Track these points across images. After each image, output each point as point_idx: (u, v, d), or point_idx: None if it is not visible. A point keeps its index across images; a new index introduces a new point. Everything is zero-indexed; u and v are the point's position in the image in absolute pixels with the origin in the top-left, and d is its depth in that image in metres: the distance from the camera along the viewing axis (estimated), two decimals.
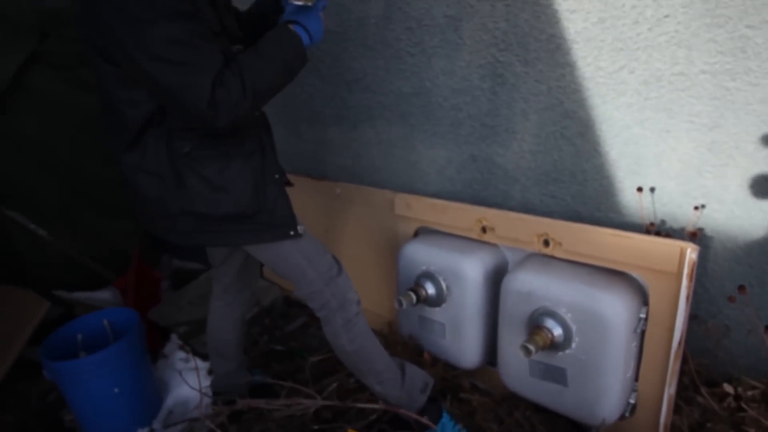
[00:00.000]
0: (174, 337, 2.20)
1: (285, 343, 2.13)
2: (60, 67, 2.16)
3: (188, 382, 1.83)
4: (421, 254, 1.71)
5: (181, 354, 2.13)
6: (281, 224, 1.31)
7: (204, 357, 2.02)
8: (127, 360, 1.73)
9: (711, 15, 1.31)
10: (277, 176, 1.31)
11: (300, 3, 1.21)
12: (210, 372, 1.92)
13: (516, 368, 1.52)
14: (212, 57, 1.06)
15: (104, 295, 2.46)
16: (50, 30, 2.07)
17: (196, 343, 2.14)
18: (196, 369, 1.86)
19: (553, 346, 1.38)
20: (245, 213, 1.25)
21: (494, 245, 1.67)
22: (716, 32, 1.32)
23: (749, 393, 1.35)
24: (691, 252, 1.24)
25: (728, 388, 1.37)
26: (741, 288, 1.37)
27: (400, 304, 1.62)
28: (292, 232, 1.31)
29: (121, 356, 1.71)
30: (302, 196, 2.26)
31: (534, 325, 1.41)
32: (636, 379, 1.41)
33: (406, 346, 1.83)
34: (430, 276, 1.68)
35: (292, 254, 1.35)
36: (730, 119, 1.36)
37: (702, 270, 1.50)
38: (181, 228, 1.26)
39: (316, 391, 1.65)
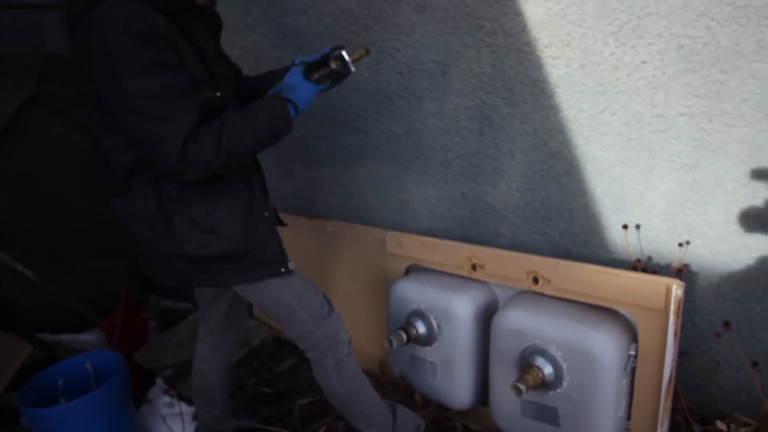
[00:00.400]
0: (159, 380, 2.14)
1: (274, 385, 2.08)
2: (56, 108, 2.20)
3: (172, 429, 1.77)
4: (412, 292, 1.71)
5: (166, 398, 2.07)
6: (272, 262, 1.31)
7: (190, 401, 1.96)
8: (108, 406, 1.67)
9: (686, 61, 1.38)
10: (266, 214, 1.32)
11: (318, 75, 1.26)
12: (195, 417, 1.87)
13: (508, 408, 1.50)
14: (187, 113, 1.08)
15: (89, 337, 2.40)
16: (50, 73, 2.12)
17: (182, 386, 2.08)
18: (181, 414, 1.80)
19: (544, 385, 1.37)
20: (235, 252, 1.25)
21: (484, 283, 1.68)
22: (691, 77, 1.39)
23: (742, 430, 1.34)
24: (676, 288, 1.26)
25: (721, 425, 1.36)
26: (726, 324, 1.38)
27: (391, 343, 1.61)
28: (283, 269, 1.31)
29: (103, 402, 1.65)
30: (294, 234, 2.27)
31: (525, 364, 1.40)
32: (628, 417, 1.39)
33: (397, 386, 1.80)
34: (420, 314, 1.68)
35: (282, 294, 1.34)
36: (709, 158, 1.42)
37: (690, 306, 1.51)
38: (174, 270, 1.26)
39: None
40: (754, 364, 1.32)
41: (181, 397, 1.98)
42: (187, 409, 1.91)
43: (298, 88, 1.26)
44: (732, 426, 1.40)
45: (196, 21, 1.18)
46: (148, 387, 2.12)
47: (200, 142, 1.08)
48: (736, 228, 1.42)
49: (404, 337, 1.63)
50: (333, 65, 1.28)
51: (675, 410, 1.45)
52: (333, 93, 2.09)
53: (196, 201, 1.21)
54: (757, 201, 1.37)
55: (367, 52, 1.35)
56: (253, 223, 1.27)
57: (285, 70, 1.42)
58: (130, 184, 1.20)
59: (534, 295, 1.54)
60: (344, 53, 1.27)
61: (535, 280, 1.52)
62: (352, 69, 1.29)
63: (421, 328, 1.66)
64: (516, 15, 1.58)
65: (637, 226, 1.55)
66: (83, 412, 1.61)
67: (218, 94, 1.22)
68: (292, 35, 2.09)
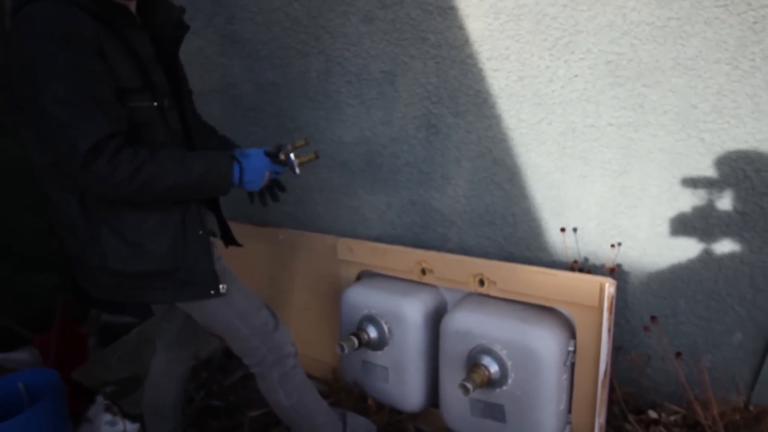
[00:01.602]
0: (99, 398, 2.04)
1: (223, 397, 2.03)
2: None
3: None
4: (363, 298, 1.73)
5: (108, 416, 1.97)
6: (201, 283, 1.24)
7: (133, 418, 1.89)
8: (43, 427, 1.57)
9: (613, 75, 1.49)
10: (200, 232, 1.25)
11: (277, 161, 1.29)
12: None
13: (457, 408, 1.54)
14: (97, 124, 1.02)
15: (21, 355, 2.26)
16: None
17: (125, 403, 1.99)
18: None
19: (491, 383, 1.42)
20: (161, 270, 1.20)
21: (434, 286, 1.72)
22: (618, 90, 1.50)
23: (671, 418, 1.44)
24: (609, 286, 1.34)
25: (653, 414, 1.46)
26: (653, 318, 1.49)
27: (342, 349, 1.62)
28: (212, 291, 1.25)
29: (37, 423, 1.55)
30: (245, 242, 2.23)
31: (472, 364, 1.45)
32: (569, 410, 1.46)
33: (350, 392, 1.81)
34: (372, 319, 1.69)
35: (221, 312, 1.30)
36: (636, 166, 1.53)
37: (623, 303, 1.62)
38: (101, 283, 1.21)
39: None
40: (678, 354, 1.42)
41: (125, 415, 1.90)
42: (131, 427, 1.84)
43: (253, 157, 1.26)
44: (662, 415, 1.50)
45: (134, 27, 1.15)
46: (87, 405, 2.02)
47: (116, 163, 1.03)
48: (661, 230, 1.53)
49: (356, 342, 1.64)
50: (282, 156, 1.31)
51: (611, 402, 1.55)
52: (282, 101, 2.09)
53: (124, 212, 1.15)
54: (679, 204, 1.49)
55: (316, 156, 1.41)
56: (185, 242, 1.21)
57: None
58: (49, 189, 1.14)
59: (480, 296, 1.59)
60: (292, 155, 1.31)
61: (481, 283, 1.58)
62: (297, 172, 1.32)
63: (372, 333, 1.68)
64: (459, 29, 1.65)
65: (574, 230, 1.65)
66: None
67: (155, 104, 1.17)
68: (239, 42, 2.08)
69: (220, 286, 1.27)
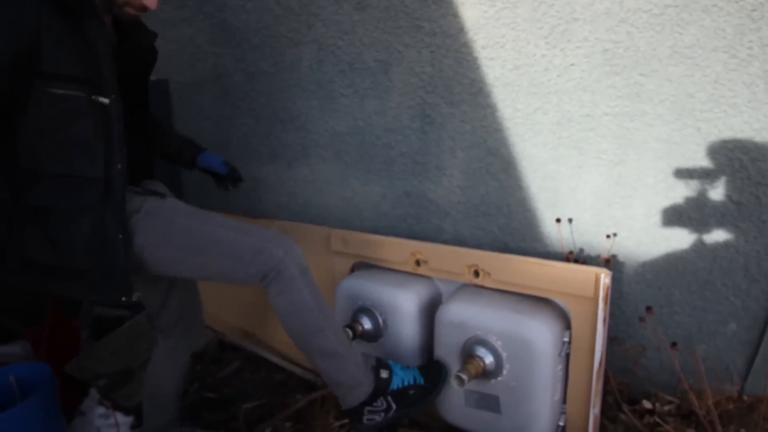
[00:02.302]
0: (93, 391, 2.02)
1: (218, 390, 2.03)
2: None
3: None
4: (358, 289, 1.72)
5: (101, 409, 1.96)
6: (113, 288, 1.19)
7: (126, 411, 1.87)
8: (35, 421, 1.55)
9: (609, 64, 1.47)
10: (120, 236, 1.17)
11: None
12: (134, 427, 1.78)
13: (452, 399, 1.53)
14: None
15: (12, 349, 2.23)
16: None
17: (118, 396, 1.98)
18: (117, 425, 1.71)
19: (486, 374, 1.41)
20: (74, 269, 1.16)
21: (428, 278, 1.71)
22: (615, 79, 1.48)
23: (666, 408, 1.45)
24: (604, 277, 1.34)
25: (647, 404, 1.46)
26: (648, 309, 1.48)
27: None
28: (123, 298, 1.20)
29: (28, 417, 1.53)
30: None
31: (467, 355, 1.44)
32: (564, 401, 1.46)
33: None
34: (366, 311, 1.68)
35: (205, 265, 1.22)
36: (631, 155, 1.52)
37: (618, 294, 1.61)
38: (16, 270, 1.18)
39: None
40: (673, 344, 1.42)
41: (117, 407, 1.89)
42: (124, 420, 1.82)
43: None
44: (657, 404, 1.50)
45: (95, 18, 1.10)
46: (80, 399, 2.00)
47: None
48: (656, 220, 1.53)
49: (350, 333, 1.63)
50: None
51: (606, 392, 1.55)
52: (274, 90, 2.06)
53: (44, 205, 1.12)
54: (674, 195, 1.49)
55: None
56: (103, 245, 1.15)
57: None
58: None
59: (475, 288, 1.58)
60: None
61: (476, 274, 1.57)
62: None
63: (367, 325, 1.67)
64: (453, 17, 1.63)
65: (570, 220, 1.64)
66: (6, 428, 1.49)
67: (92, 97, 1.10)
68: (230, 31, 2.04)
69: (134, 296, 1.21)
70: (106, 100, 1.13)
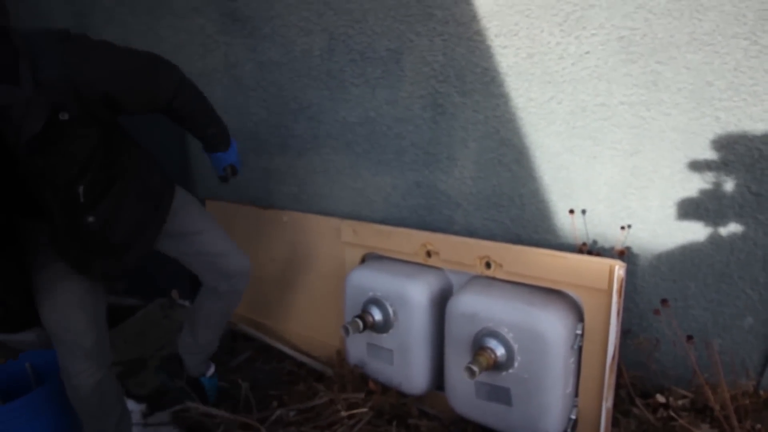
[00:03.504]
0: None
1: (229, 379, 2.04)
2: None
3: None
4: (368, 280, 1.72)
5: None
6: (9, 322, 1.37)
7: (138, 399, 1.90)
8: (49, 407, 1.59)
9: (625, 52, 1.44)
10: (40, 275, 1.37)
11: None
12: (145, 415, 1.81)
13: (462, 391, 1.53)
14: None
15: (28, 336, 2.27)
16: None
17: (131, 384, 2.01)
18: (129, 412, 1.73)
19: (497, 366, 1.40)
20: None
21: (439, 269, 1.70)
22: (631, 67, 1.45)
23: (680, 402, 1.43)
24: (619, 269, 1.32)
25: (660, 398, 1.44)
26: (664, 301, 1.46)
27: (347, 331, 1.60)
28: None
29: (43, 403, 1.57)
30: (249, 224, 2.22)
31: (478, 346, 1.43)
32: (576, 394, 1.45)
33: (353, 374, 1.80)
34: (376, 302, 1.68)
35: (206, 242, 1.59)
36: (647, 146, 1.48)
37: (631, 286, 1.59)
38: None
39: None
40: (689, 338, 1.40)
41: (130, 395, 1.91)
42: (136, 407, 1.85)
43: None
44: (670, 398, 1.48)
45: None
46: None
47: None
48: (672, 212, 1.50)
49: (360, 324, 1.63)
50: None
51: (619, 386, 1.53)
52: (285, 80, 2.06)
53: None
54: (691, 186, 1.46)
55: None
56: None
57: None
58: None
59: (487, 279, 1.57)
60: None
61: (488, 265, 1.55)
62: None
63: (377, 316, 1.67)
64: (466, 4, 1.60)
65: (583, 211, 1.61)
66: (22, 413, 1.52)
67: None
68: (241, 21, 2.03)
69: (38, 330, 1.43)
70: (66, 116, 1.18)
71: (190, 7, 2.14)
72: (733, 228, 1.44)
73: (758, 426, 1.30)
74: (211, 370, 1.87)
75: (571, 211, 1.62)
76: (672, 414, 1.36)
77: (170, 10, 2.18)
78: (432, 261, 1.68)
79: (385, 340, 1.70)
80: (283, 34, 1.97)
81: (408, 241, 1.72)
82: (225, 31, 2.09)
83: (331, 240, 1.96)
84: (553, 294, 1.45)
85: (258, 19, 2.00)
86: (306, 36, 1.93)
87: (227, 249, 1.61)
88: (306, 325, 2.12)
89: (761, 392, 1.45)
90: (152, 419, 1.83)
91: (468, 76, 1.67)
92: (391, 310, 1.66)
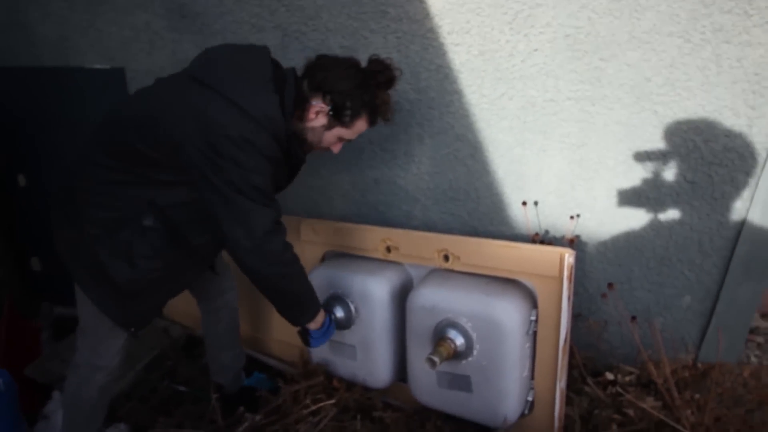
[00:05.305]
0: (56, 394, 1.96)
1: (190, 384, 1.99)
2: None
3: None
4: (329, 278, 1.72)
5: None
6: None
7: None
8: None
9: (571, 49, 1.51)
10: None
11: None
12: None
13: (425, 381, 1.56)
14: None
15: None
16: None
17: None
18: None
19: (457, 355, 1.45)
20: None
21: (399, 264, 1.72)
22: (576, 64, 1.52)
23: (627, 378, 1.52)
24: (568, 257, 1.38)
25: (610, 376, 1.53)
26: (609, 285, 1.55)
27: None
28: None
29: None
30: None
31: (438, 337, 1.47)
32: (532, 377, 1.52)
33: (317, 373, 1.80)
34: (338, 299, 1.69)
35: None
36: (593, 139, 1.56)
37: (581, 273, 1.67)
38: None
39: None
40: (633, 318, 1.49)
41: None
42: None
43: (331, 329, 1.57)
44: (618, 375, 1.57)
45: None
46: (44, 402, 1.93)
47: None
48: (616, 201, 1.59)
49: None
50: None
51: (572, 366, 1.61)
52: None
53: None
54: (633, 176, 1.54)
55: None
56: None
57: None
58: None
59: (445, 272, 1.61)
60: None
61: (446, 258, 1.59)
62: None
63: (339, 313, 1.68)
64: (419, 2, 1.62)
65: (535, 203, 1.68)
66: None
67: None
68: (190, 16, 1.98)
69: None
70: None
71: (134, 3, 2.05)
72: (671, 214, 1.54)
73: (697, 396, 1.40)
74: (243, 374, 1.92)
75: (524, 203, 1.68)
76: (620, 390, 1.44)
77: (112, 5, 2.09)
78: (392, 256, 1.70)
79: (347, 336, 1.71)
80: (234, 31, 1.93)
81: (368, 237, 1.74)
82: (173, 27, 2.02)
83: (291, 239, 1.93)
84: (508, 283, 1.51)
85: (207, 15, 1.95)
86: (258, 33, 1.90)
87: (223, 267, 1.70)
88: (268, 327, 2.10)
89: (699, 365, 1.57)
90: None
91: (422, 73, 1.70)
92: (353, 307, 1.67)
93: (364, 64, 1.37)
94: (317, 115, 1.32)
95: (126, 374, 1.99)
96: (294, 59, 1.87)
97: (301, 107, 1.30)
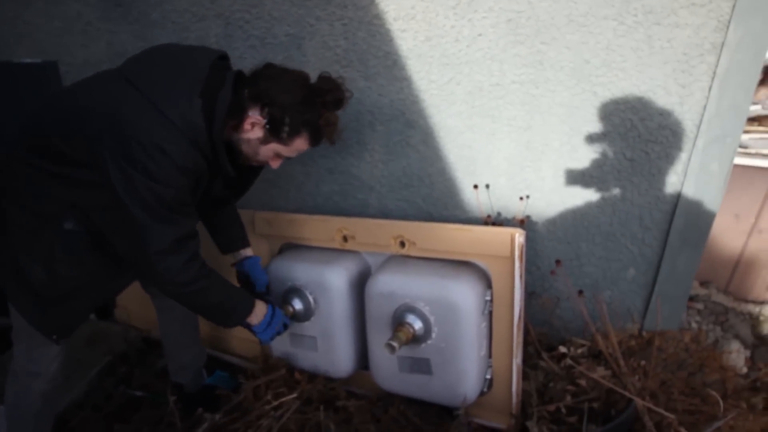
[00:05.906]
0: (1, 409, 1.85)
1: (146, 388, 1.93)
2: None
3: None
4: (286, 271, 1.70)
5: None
6: None
7: None
8: None
9: (513, 33, 1.53)
10: None
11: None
12: None
13: (386, 367, 1.58)
14: None
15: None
16: None
17: None
18: None
19: (416, 339, 1.47)
20: None
21: (356, 252, 1.72)
22: (519, 48, 1.55)
23: (579, 351, 1.58)
24: (518, 237, 1.42)
25: (563, 349, 1.59)
26: (557, 262, 1.60)
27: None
28: None
29: None
30: None
31: (397, 323, 1.48)
32: (489, 356, 1.56)
33: (279, 367, 1.79)
34: (296, 291, 1.67)
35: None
36: (538, 121, 1.60)
37: (533, 252, 1.72)
38: None
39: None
40: (580, 292, 1.55)
41: None
42: None
43: (279, 319, 1.50)
44: (571, 348, 1.64)
45: None
46: None
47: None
48: (563, 180, 1.64)
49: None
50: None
51: (527, 343, 1.66)
52: None
53: None
54: (578, 155, 1.60)
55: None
56: None
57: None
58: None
59: (402, 258, 1.62)
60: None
61: (402, 244, 1.60)
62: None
63: (298, 305, 1.66)
64: None
65: (487, 186, 1.71)
66: None
67: None
68: (125, 5, 1.89)
69: None
70: None
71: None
72: (614, 191, 1.61)
73: (643, 362, 1.48)
74: (204, 372, 1.88)
75: (476, 186, 1.71)
76: (572, 362, 1.50)
77: None
78: (348, 245, 1.70)
79: (307, 328, 1.70)
80: (174, 20, 1.86)
81: (323, 227, 1.73)
82: (107, 17, 1.93)
83: (248, 232, 1.90)
84: (463, 265, 1.53)
85: (144, 4, 1.87)
86: (200, 21, 1.84)
87: None
88: None
89: (644, 333, 1.65)
90: None
91: (371, 60, 1.69)
92: (311, 298, 1.66)
93: (314, 79, 1.28)
94: (253, 126, 1.23)
95: (77, 383, 1.91)
96: (239, 48, 1.82)
97: (237, 116, 1.21)
